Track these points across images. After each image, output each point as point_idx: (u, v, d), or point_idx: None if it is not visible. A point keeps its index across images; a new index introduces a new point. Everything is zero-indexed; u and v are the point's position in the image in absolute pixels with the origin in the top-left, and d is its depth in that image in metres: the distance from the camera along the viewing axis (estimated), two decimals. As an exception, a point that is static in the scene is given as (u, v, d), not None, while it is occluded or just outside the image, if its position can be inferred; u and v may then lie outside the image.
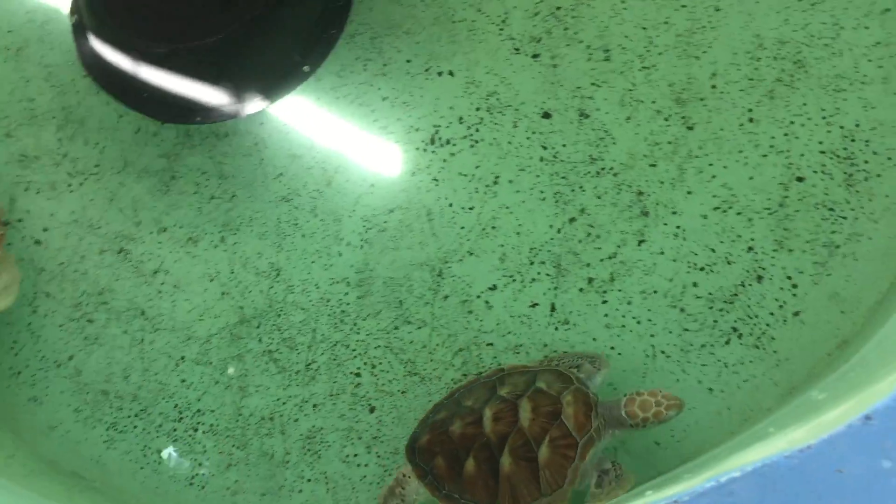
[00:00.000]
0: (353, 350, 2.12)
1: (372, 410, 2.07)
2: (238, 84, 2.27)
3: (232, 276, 2.22)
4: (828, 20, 2.15)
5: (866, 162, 2.03)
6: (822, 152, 2.05)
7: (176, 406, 2.14)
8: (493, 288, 2.11)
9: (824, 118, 2.07)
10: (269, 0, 2.18)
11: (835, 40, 2.14)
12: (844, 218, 1.99)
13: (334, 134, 2.31)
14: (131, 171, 2.35)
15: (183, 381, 2.16)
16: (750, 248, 2.02)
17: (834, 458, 0.72)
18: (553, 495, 1.64)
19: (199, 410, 2.13)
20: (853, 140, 2.05)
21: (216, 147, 2.32)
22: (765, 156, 2.09)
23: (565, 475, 1.64)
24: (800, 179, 2.05)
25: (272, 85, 2.30)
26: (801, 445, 0.75)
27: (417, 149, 2.26)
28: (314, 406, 2.09)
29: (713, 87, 2.17)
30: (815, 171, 2.04)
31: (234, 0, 2.18)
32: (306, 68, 2.30)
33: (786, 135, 2.09)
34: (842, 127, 2.06)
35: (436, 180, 2.22)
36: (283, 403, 2.10)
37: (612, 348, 2.01)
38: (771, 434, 1.06)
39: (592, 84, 2.24)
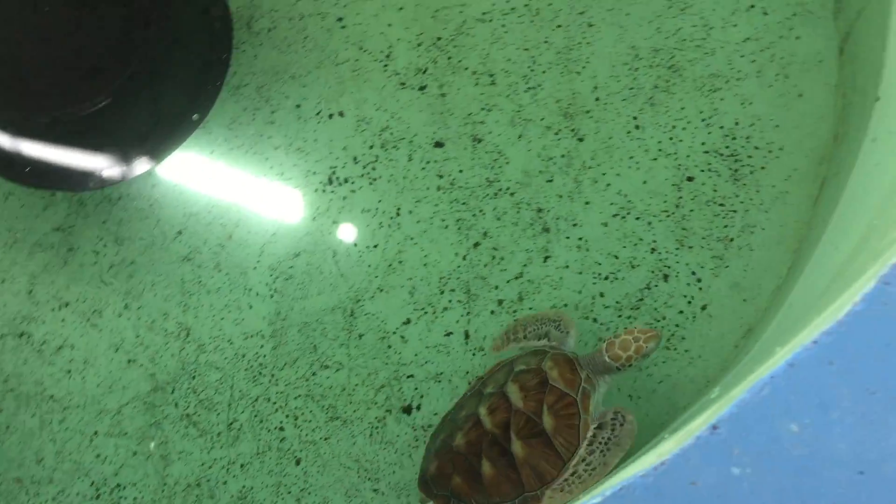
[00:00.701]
0: (274, 403, 2.09)
1: (298, 462, 2.04)
2: (127, 144, 2.24)
3: (139, 343, 2.17)
4: (697, 23, 2.22)
5: (749, 157, 2.09)
6: (706, 152, 2.11)
7: (92, 483, 2.08)
8: (408, 322, 2.11)
9: (703, 120, 2.13)
10: (146, 57, 2.15)
11: (706, 41, 2.20)
12: (735, 211, 2.05)
13: (231, 187, 2.29)
14: (23, 249, 2.29)
15: (98, 455, 2.10)
16: (653, 250, 2.05)
17: (688, 472, 0.73)
18: (578, 458, 1.61)
19: (118, 485, 2.07)
20: (734, 138, 2.11)
21: (111, 214, 2.27)
22: (655, 159, 2.14)
23: (577, 433, 1.61)
24: (690, 179, 2.10)
25: (163, 140, 2.27)
26: (657, 462, 0.76)
27: (316, 191, 2.25)
28: (241, 466, 2.06)
29: (597, 99, 2.22)
30: (703, 171, 2.09)
31: (109, 63, 2.14)
32: (195, 117, 2.28)
33: (671, 138, 2.14)
34: (721, 126, 2.12)
35: (336, 222, 2.21)
36: (209, 467, 2.06)
37: (530, 367, 2.02)
38: (663, 440, 1.07)
39: (482, 109, 2.26)
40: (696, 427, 0.79)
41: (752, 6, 2.21)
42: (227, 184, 2.29)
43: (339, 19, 2.38)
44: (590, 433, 1.60)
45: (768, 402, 0.75)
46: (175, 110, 2.26)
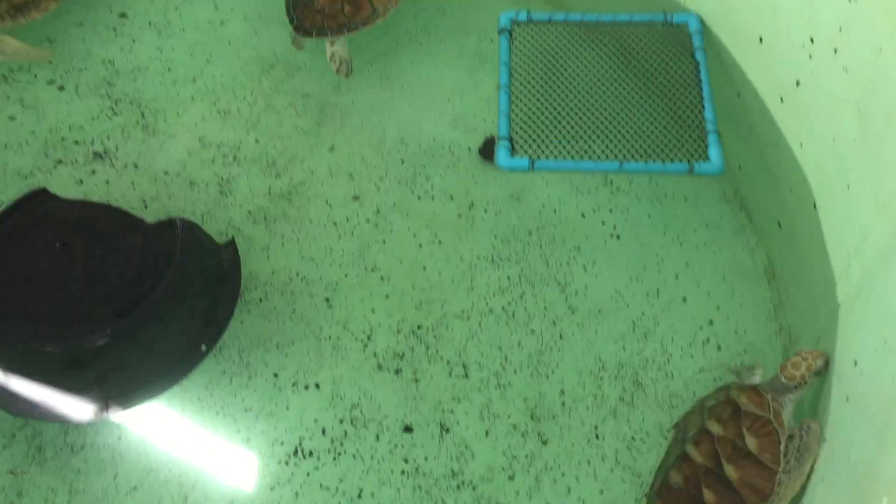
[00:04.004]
0: None
1: None
2: (120, 384, 2.27)
3: None
4: (658, 348, 2.45)
5: (704, 478, 2.21)
6: (664, 468, 2.23)
7: None
8: None
9: (664, 436, 2.28)
10: (154, 298, 2.25)
11: (667, 365, 2.43)
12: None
13: (195, 446, 2.33)
14: (-29, 488, 2.25)
15: None
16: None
17: None
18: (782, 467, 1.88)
19: None
20: (690, 456, 2.25)
21: (69, 462, 2.28)
22: (612, 470, 2.25)
23: (778, 445, 1.88)
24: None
25: (155, 381, 2.32)
26: None
27: (280, 462, 2.30)
28: None
29: (563, 403, 2.38)
30: (659, 487, 2.20)
31: (115, 302, 2.23)
32: (204, 347, 2.37)
33: (628, 448, 2.28)
34: (679, 444, 2.27)
35: (297, 494, 2.24)
36: None
37: None
38: None
39: (453, 399, 2.39)
40: None
41: (708, 339, 2.46)
42: (192, 443, 2.33)
43: (327, 300, 2.58)
44: (782, 445, 1.88)
45: None
46: (177, 347, 2.34)
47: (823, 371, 1.99)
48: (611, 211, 2.72)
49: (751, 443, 1.90)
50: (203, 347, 2.36)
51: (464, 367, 2.47)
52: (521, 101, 2.53)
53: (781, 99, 2.31)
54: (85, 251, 2.31)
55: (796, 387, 1.98)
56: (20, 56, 2.93)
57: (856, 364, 1.86)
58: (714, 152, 2.35)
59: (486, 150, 2.82)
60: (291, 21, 2.90)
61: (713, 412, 2.01)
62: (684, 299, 2.55)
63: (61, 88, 2.97)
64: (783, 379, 1.98)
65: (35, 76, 2.99)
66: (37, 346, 2.19)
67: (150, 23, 3.13)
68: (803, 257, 2.33)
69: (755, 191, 2.64)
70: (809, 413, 2.06)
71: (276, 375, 2.45)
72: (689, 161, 2.34)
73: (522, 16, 2.71)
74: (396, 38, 3.05)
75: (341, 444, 2.33)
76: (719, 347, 2.44)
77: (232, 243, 2.56)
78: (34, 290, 2.25)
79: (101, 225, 2.39)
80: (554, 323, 2.52)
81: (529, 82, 2.58)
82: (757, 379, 2.14)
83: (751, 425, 1.92)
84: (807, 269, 2.31)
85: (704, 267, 2.60)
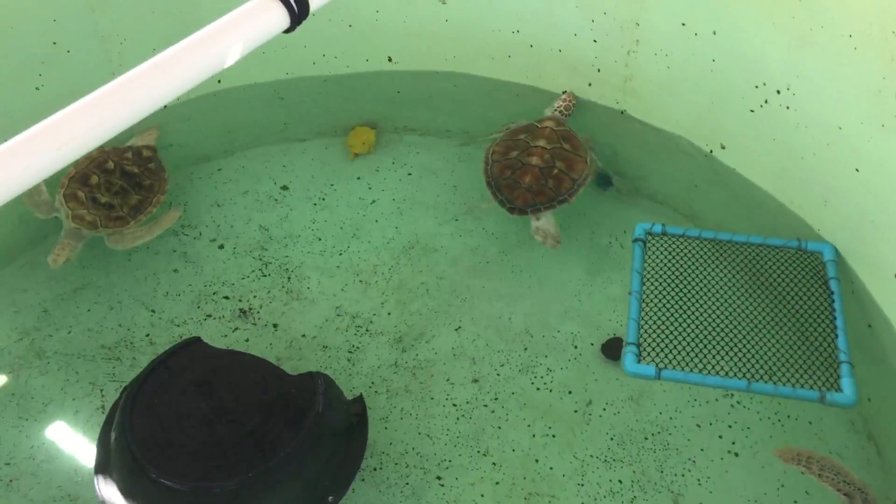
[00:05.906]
0: None
1: None
2: None
3: None
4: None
5: None
6: None
7: None
8: None
9: None
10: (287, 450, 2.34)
11: None
12: None
13: None
14: None
15: None
16: None
17: None
18: None
19: None
20: None
21: None
22: None
23: None
24: None
25: None
26: None
27: None
28: None
29: None
30: None
31: (255, 443, 2.32)
32: (331, 498, 2.43)
33: None
34: None
35: None
36: None
37: None
38: None
39: None
40: None
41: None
42: None
43: (439, 478, 2.61)
44: None
45: None
46: (305, 498, 2.39)
47: None
48: (730, 426, 2.70)
49: None
50: (330, 499, 2.41)
51: (568, 569, 2.42)
52: (651, 309, 2.61)
53: (916, 336, 2.31)
54: (230, 397, 2.45)
55: None
56: (158, 230, 3.22)
57: None
58: (847, 383, 2.33)
59: (609, 349, 2.88)
60: (503, 203, 3.11)
61: None
62: (805, 529, 2.46)
63: (221, 247, 3.25)
64: None
65: (200, 234, 3.29)
66: (166, 480, 2.28)
67: (308, 196, 3.43)
68: (937, 503, 2.24)
69: (885, 425, 2.58)
70: None
71: (381, 552, 2.47)
72: (820, 390, 2.33)
73: (657, 228, 2.86)
74: (532, 233, 3.22)
75: None
76: None
77: (360, 400, 2.66)
78: (176, 427, 2.38)
79: (247, 373, 2.54)
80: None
81: (660, 292, 2.67)
82: None
83: None
84: (941, 516, 2.21)
85: (827, 498, 2.51)
